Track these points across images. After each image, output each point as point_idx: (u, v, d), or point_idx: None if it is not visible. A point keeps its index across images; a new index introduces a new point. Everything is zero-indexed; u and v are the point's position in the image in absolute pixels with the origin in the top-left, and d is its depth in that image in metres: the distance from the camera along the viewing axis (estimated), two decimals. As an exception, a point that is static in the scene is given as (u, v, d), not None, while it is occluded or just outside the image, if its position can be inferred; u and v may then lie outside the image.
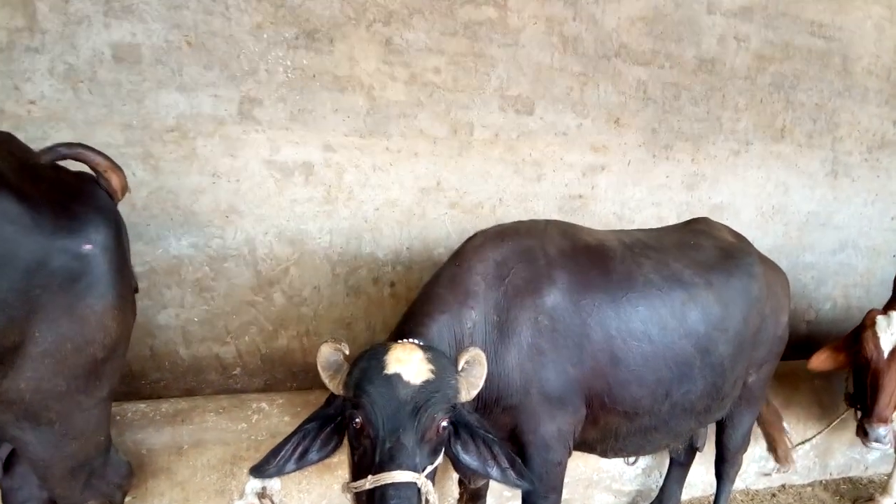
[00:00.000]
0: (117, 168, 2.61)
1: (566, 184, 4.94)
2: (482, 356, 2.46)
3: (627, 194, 5.19)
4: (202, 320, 4.18)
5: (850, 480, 5.15)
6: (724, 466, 4.00)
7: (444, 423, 2.29)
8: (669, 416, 3.25)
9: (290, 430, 3.51)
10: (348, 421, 2.25)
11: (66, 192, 2.43)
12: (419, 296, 2.99)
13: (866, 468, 5.25)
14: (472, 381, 2.40)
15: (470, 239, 3.22)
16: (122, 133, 3.78)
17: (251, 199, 4.12)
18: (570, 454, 3.09)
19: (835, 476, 5.14)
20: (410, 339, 2.48)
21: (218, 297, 4.18)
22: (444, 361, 2.33)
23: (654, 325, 3.09)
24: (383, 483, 2.01)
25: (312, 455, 2.40)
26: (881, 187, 6.27)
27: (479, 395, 2.54)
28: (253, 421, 3.52)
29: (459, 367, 2.39)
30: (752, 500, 4.72)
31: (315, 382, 4.49)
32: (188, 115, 3.88)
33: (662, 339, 3.10)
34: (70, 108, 3.65)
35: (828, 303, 6.32)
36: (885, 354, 3.55)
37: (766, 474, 4.89)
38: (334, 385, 2.30)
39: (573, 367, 2.92)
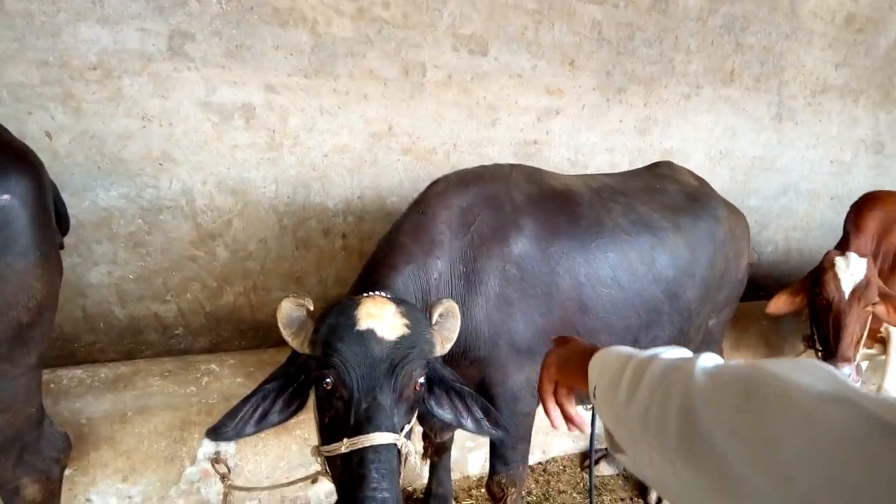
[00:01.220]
0: None
1: (521, 129, 4.78)
2: (456, 308, 2.31)
3: (581, 139, 5.08)
4: (138, 277, 3.87)
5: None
6: None
7: (422, 380, 2.14)
8: None
9: (243, 392, 3.31)
10: (317, 381, 2.07)
11: (-24, 137, 2.14)
12: (381, 245, 2.80)
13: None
14: (446, 335, 2.25)
15: (432, 185, 3.05)
16: (37, 71, 3.37)
17: (186, 144, 3.79)
18: (538, 404, 3.02)
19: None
20: (377, 293, 2.30)
21: (154, 253, 3.87)
22: (418, 315, 2.17)
23: (623, 272, 3.02)
24: (361, 446, 1.86)
25: (273, 416, 2.21)
26: (822, 131, 6.38)
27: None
28: (203, 384, 3.29)
29: (433, 321, 2.23)
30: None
31: (265, 340, 4.30)
32: (111, 50, 3.49)
33: (632, 285, 3.04)
34: (-27, 43, 3.23)
35: (769, 246, 6.47)
36: (846, 295, 3.60)
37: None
38: (298, 343, 2.11)
39: (541, 316, 2.82)
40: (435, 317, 2.25)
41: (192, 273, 3.98)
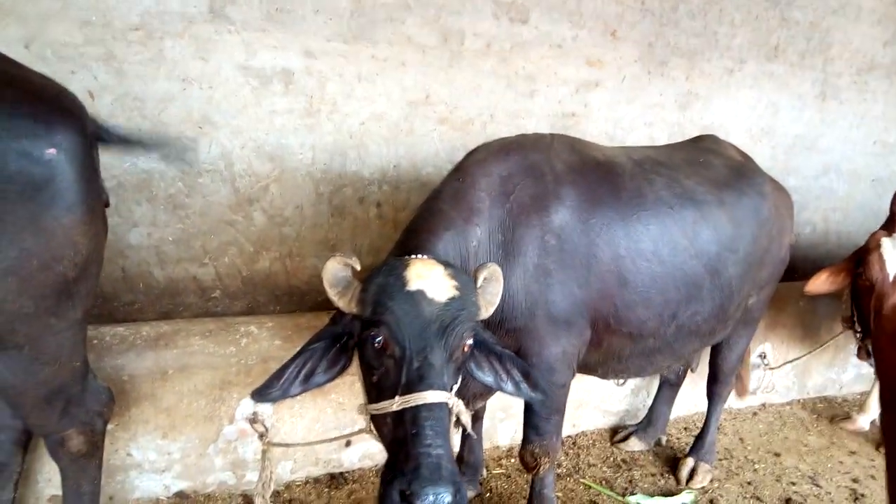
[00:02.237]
0: None
1: (559, 100, 4.71)
2: (499, 272, 2.31)
3: (620, 113, 4.99)
4: (177, 239, 3.91)
5: (825, 399, 5.27)
6: (718, 387, 4.00)
7: (470, 342, 2.16)
8: (674, 339, 3.18)
9: (281, 354, 3.38)
10: (365, 340, 2.08)
11: (27, 90, 2.13)
12: (420, 212, 2.79)
13: (841, 388, 5.38)
14: (489, 299, 2.26)
15: (472, 153, 3.02)
16: (80, 30, 3.39)
17: (226, 108, 3.80)
18: (573, 376, 3.01)
19: (812, 395, 5.26)
20: (422, 255, 2.30)
21: (193, 216, 3.90)
22: (465, 278, 2.18)
23: (664, 245, 2.96)
24: (415, 404, 1.89)
25: (319, 377, 2.24)
26: (867, 111, 6.20)
27: None
28: (242, 345, 3.33)
29: (477, 284, 2.23)
30: (734, 418, 4.79)
31: (300, 306, 4.34)
32: (154, 11, 3.50)
33: (673, 259, 2.99)
34: (20, 1, 3.24)
35: (808, 227, 6.33)
36: (891, 277, 3.51)
37: (749, 393, 4.95)
38: (344, 302, 2.12)
39: (580, 288, 2.80)
40: (479, 280, 2.24)
41: (229, 237, 4.01)
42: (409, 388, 1.92)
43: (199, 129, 3.79)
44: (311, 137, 4.05)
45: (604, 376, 3.39)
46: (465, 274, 2.22)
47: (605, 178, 2.98)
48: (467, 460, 3.66)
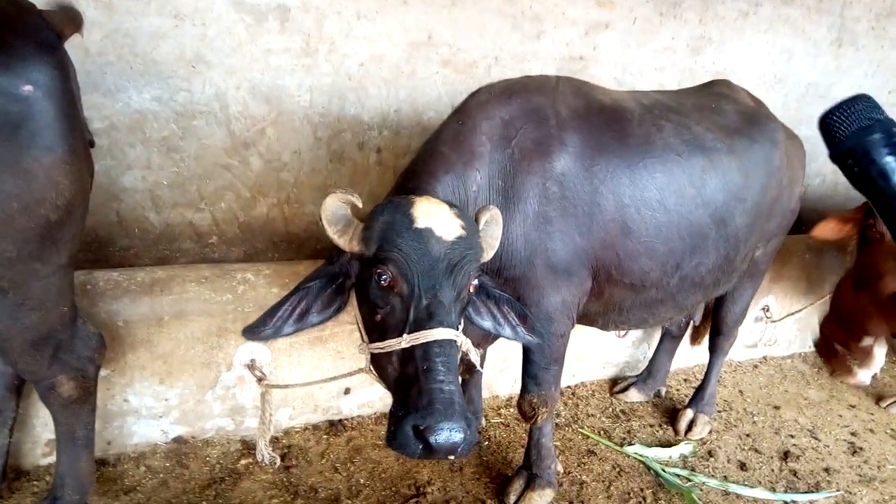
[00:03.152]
0: None
1: (567, 43, 4.52)
2: (500, 216, 2.28)
3: (630, 57, 4.80)
4: (172, 183, 3.80)
5: (826, 352, 5.26)
6: (720, 339, 3.97)
7: (475, 282, 2.15)
8: (677, 290, 3.13)
9: (278, 301, 3.33)
10: (369, 278, 2.05)
11: (1, 23, 2.01)
12: (419, 153, 2.72)
13: (842, 340, 5.35)
14: (490, 242, 2.23)
15: (474, 94, 2.90)
16: (64, -40, 3.20)
17: (219, 46, 3.64)
18: (573, 326, 2.96)
19: (813, 349, 5.24)
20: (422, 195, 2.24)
21: (188, 159, 3.79)
22: (469, 218, 2.15)
23: (670, 194, 2.88)
24: (425, 340, 1.90)
25: (313, 317, 2.21)
26: (883, 58, 5.98)
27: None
28: (239, 292, 3.27)
29: (479, 226, 2.17)
30: (734, 371, 4.78)
31: (298, 254, 4.27)
32: (142, -60, 3.31)
33: (678, 208, 2.90)
34: (-2, -74, 3.05)
35: (817, 178, 6.20)
36: None
37: (751, 346, 4.94)
38: (345, 241, 2.07)
39: (581, 237, 2.73)
40: (481, 223, 2.21)
41: (225, 182, 3.91)
42: (419, 326, 1.92)
43: (192, 68, 3.64)
44: (309, 79, 3.90)
45: (604, 327, 3.35)
46: (468, 215, 2.19)
47: (611, 123, 2.87)
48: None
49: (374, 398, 3.71)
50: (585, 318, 3.20)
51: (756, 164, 3.16)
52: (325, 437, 3.52)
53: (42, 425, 3.00)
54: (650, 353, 4.47)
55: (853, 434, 4.15)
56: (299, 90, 3.90)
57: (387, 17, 3.94)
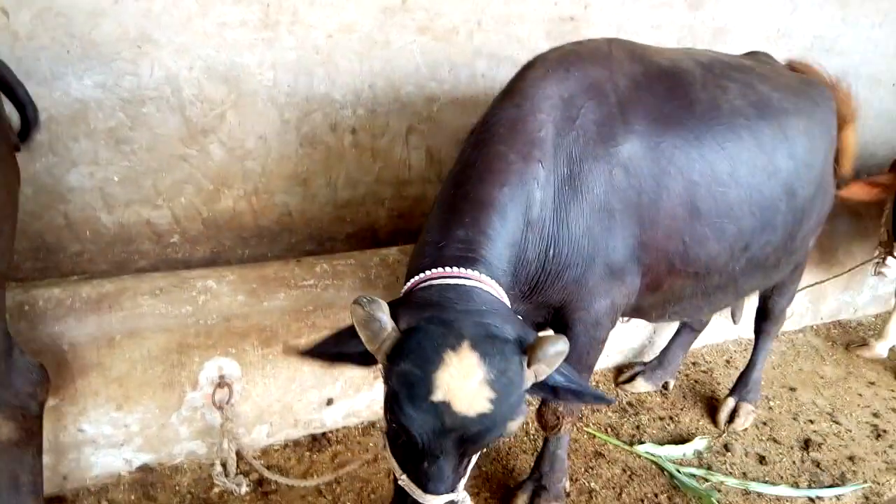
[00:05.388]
0: None
1: (555, 2, 4.11)
2: (566, 347, 1.78)
3: (624, 15, 4.40)
4: (124, 179, 3.41)
5: (839, 324, 4.99)
6: (767, 324, 3.71)
7: (501, 435, 1.81)
8: (741, 274, 2.82)
9: (245, 311, 3.00)
10: (385, 412, 1.84)
11: None
12: (471, 154, 2.27)
13: (855, 311, 5.09)
14: (542, 369, 1.79)
15: (528, 67, 2.53)
16: (-24, -71, 2.77)
17: (167, 22, 3.22)
18: (613, 327, 2.66)
19: (825, 321, 4.97)
20: (469, 275, 1.95)
21: (140, 151, 3.39)
22: (511, 373, 1.71)
23: (742, 165, 2.56)
24: (416, 499, 1.81)
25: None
26: (891, 7, 5.59)
27: (540, 269, 2.28)
28: (199, 302, 2.91)
29: (538, 360, 1.75)
30: (744, 350, 4.49)
31: (271, 248, 3.90)
32: None
33: (750, 180, 2.59)
34: None
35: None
36: None
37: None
38: (373, 349, 1.75)
39: (644, 230, 2.42)
40: (543, 357, 1.75)
41: (184, 174, 3.52)
42: (416, 481, 1.79)
43: (137, 48, 3.23)
44: (271, 54, 3.49)
45: (658, 319, 3.07)
46: (513, 362, 1.73)
47: (674, 90, 2.54)
48: None
49: (360, 407, 3.39)
50: (637, 312, 2.91)
51: (820, 128, 2.90)
52: (307, 453, 3.21)
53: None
54: (657, 339, 4.17)
55: (875, 415, 3.90)
56: (260, 68, 3.49)
57: (355, -19, 3.52)
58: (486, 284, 1.95)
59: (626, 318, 4.03)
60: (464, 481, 1.87)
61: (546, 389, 1.91)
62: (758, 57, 3.27)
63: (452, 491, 1.81)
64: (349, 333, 1.81)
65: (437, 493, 1.77)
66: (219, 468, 2.84)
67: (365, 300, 1.69)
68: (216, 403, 2.88)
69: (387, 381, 1.76)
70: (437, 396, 1.63)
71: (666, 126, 2.43)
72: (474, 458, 1.91)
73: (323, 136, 3.77)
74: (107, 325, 2.74)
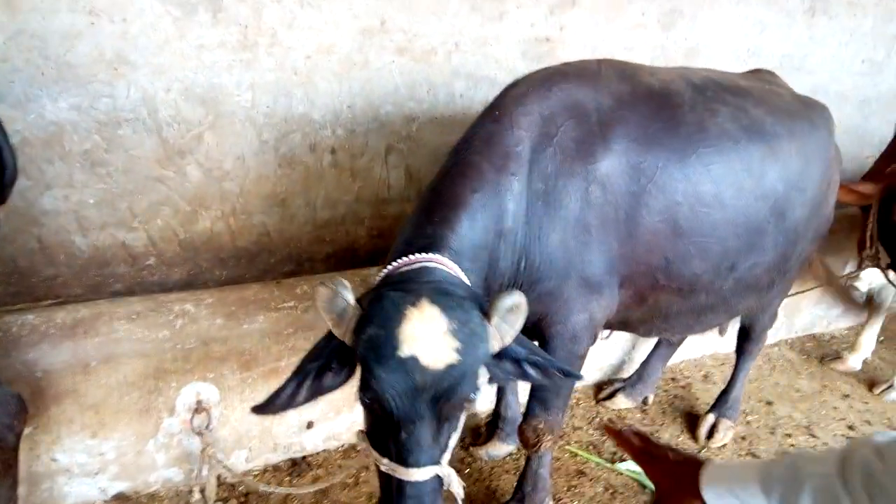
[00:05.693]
0: None
1: (532, 23, 4.16)
2: (524, 304, 1.83)
3: (599, 37, 4.47)
4: (99, 202, 3.38)
5: (813, 338, 5.07)
6: (749, 344, 3.75)
7: (472, 395, 1.81)
8: (731, 293, 2.86)
9: (224, 334, 2.96)
10: (359, 390, 1.81)
11: None
12: (447, 164, 2.35)
13: (829, 324, 5.17)
14: (506, 331, 1.82)
15: (513, 85, 2.59)
16: (-54, -48, 2.74)
17: (144, 45, 3.20)
18: (592, 344, 2.66)
19: (799, 334, 5.05)
20: (432, 257, 1.97)
21: (116, 173, 3.36)
22: (472, 325, 1.75)
23: (727, 187, 2.59)
24: (399, 477, 1.76)
25: (326, 385, 1.94)
26: (856, 27, 5.76)
27: (512, 281, 2.34)
28: (177, 326, 2.88)
29: (495, 316, 1.79)
30: (721, 365, 4.54)
31: (249, 269, 3.87)
32: (42, -74, 2.85)
33: (736, 202, 2.62)
34: None
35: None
36: None
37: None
38: (340, 332, 1.79)
39: (621, 244, 2.46)
40: (500, 312, 1.80)
41: (160, 196, 3.49)
42: (398, 459, 1.75)
43: (114, 70, 3.21)
44: (249, 75, 3.48)
45: (647, 334, 3.12)
46: (473, 315, 1.77)
47: (660, 110, 2.57)
48: (504, 415, 3.46)
49: (340, 429, 3.36)
50: (625, 326, 2.95)
51: (816, 151, 2.93)
52: (287, 478, 3.16)
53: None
54: (635, 355, 4.20)
55: (850, 428, 3.96)
56: (239, 89, 3.49)
57: (334, 2, 3.53)
58: (448, 267, 1.98)
59: (606, 335, 4.08)
60: (447, 456, 1.84)
61: (512, 364, 1.93)
62: (761, 76, 3.32)
63: (436, 464, 1.78)
64: (306, 362, 1.90)
65: (418, 465, 1.75)
66: (197, 495, 2.80)
67: (329, 281, 1.75)
68: (195, 429, 2.84)
69: (357, 359, 1.80)
70: (405, 351, 1.66)
71: (648, 146, 2.46)
72: (455, 436, 1.87)
73: (302, 156, 3.76)
74: (82, 351, 2.70)
